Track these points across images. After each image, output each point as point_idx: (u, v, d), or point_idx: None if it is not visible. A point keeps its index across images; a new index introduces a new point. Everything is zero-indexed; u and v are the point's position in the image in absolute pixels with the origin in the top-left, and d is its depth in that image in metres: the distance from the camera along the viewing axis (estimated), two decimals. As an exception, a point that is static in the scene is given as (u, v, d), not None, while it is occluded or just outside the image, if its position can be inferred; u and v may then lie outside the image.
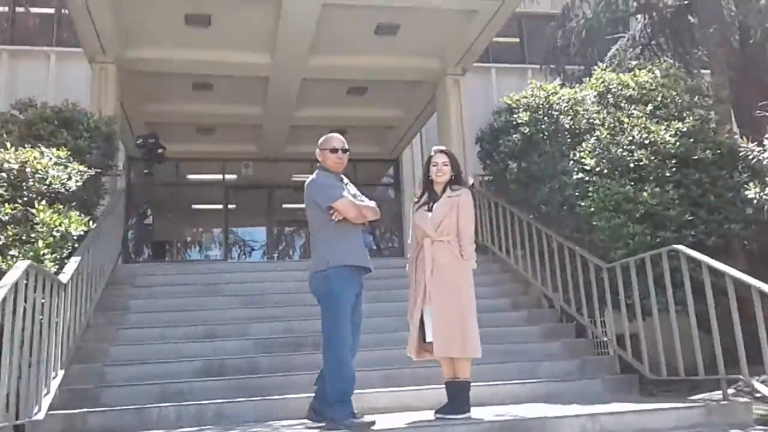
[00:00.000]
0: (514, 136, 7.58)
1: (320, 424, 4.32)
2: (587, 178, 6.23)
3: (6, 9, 13.24)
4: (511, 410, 4.89)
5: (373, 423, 4.17)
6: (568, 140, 7.00)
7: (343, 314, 4.27)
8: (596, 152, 6.30)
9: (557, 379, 5.81)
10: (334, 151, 4.54)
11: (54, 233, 5.32)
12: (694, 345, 5.15)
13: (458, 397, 4.58)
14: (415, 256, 4.74)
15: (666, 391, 5.99)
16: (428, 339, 4.62)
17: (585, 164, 6.29)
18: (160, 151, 9.41)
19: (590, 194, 6.13)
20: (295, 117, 12.77)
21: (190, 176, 15.29)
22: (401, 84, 11.92)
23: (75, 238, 5.48)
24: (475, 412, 4.58)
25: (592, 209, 6.09)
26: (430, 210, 4.73)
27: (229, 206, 15.00)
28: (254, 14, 9.47)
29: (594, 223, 6.13)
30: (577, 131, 7.05)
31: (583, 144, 6.47)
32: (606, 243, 6.19)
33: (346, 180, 4.64)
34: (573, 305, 6.81)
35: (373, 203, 4.59)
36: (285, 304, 7.08)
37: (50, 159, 5.85)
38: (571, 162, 6.59)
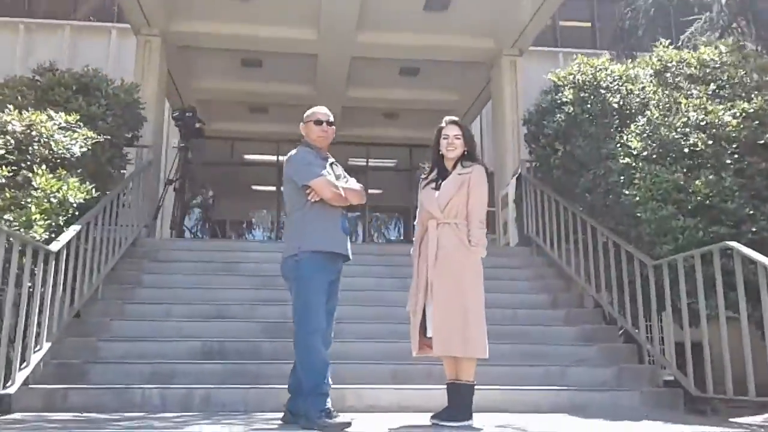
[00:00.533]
0: (558, 116, 6.87)
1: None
2: (634, 164, 5.51)
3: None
4: (523, 421, 4.31)
5: (348, 424, 3.69)
6: (616, 121, 6.25)
7: (314, 301, 3.84)
8: (645, 134, 5.56)
9: (587, 388, 5.17)
10: (319, 123, 4.10)
11: (51, 199, 5.08)
12: (745, 358, 4.43)
13: (459, 402, 4.04)
14: (420, 241, 4.22)
15: (732, 407, 5.19)
16: (429, 333, 4.10)
17: (631, 148, 5.57)
18: (198, 125, 9.18)
19: (636, 182, 5.41)
20: (346, 98, 12.39)
21: (246, 156, 15.16)
22: (455, 65, 11.33)
23: (74, 205, 5.22)
24: (480, 420, 4.04)
25: (638, 198, 5.37)
26: (437, 188, 4.19)
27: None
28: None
29: (638, 214, 5.42)
30: (627, 111, 6.29)
31: (632, 126, 5.74)
32: (652, 237, 5.47)
33: (331, 159, 4.18)
34: (615, 305, 6.12)
35: (358, 186, 4.14)
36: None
37: (57, 123, 5.62)
38: (618, 145, 5.87)
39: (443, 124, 4.26)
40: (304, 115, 4.19)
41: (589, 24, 15.57)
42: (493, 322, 6.24)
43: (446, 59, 11.10)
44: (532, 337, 6.12)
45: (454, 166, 4.20)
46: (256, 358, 5.36)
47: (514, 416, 4.55)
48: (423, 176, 4.35)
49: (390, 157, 15.31)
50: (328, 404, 3.74)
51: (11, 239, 4.26)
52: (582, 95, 6.58)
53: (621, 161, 5.68)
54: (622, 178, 5.68)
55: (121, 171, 6.98)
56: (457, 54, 10.81)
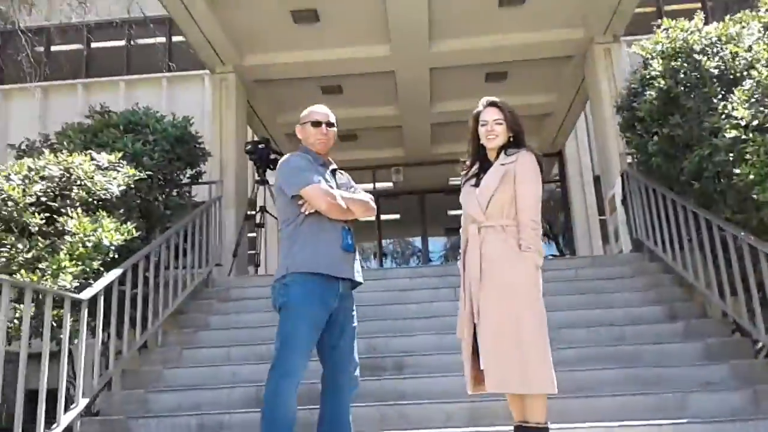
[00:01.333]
0: (648, 93, 5.82)
1: None
2: (743, 136, 4.44)
3: (123, 43, 13.93)
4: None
5: None
6: (718, 89, 5.15)
7: (296, 336, 3.18)
8: (753, 99, 4.47)
9: (715, 419, 4.13)
10: (317, 124, 3.53)
11: (86, 243, 4.79)
12: None
13: (531, 451, 3.21)
14: (464, 251, 3.46)
15: None
16: (482, 365, 3.32)
17: (738, 118, 4.49)
18: (273, 157, 8.87)
19: (748, 157, 4.35)
20: (433, 114, 11.77)
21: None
22: (546, 62, 10.37)
23: (112, 248, 4.91)
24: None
25: (752, 177, 4.30)
26: (477, 185, 3.42)
27: (382, 216, 14.28)
28: (358, 0, 8.63)
29: (755, 195, 4.34)
30: (731, 77, 5.17)
31: (736, 92, 4.66)
32: (779, 224, 4.38)
33: (333, 165, 3.58)
34: (744, 313, 4.99)
35: (367, 197, 3.52)
36: (376, 317, 6.02)
37: (98, 164, 5.39)
38: (722, 117, 4.79)
39: (480, 107, 3.49)
40: (301, 115, 3.63)
41: (698, 4, 14.05)
42: (596, 344, 5.38)
43: (533, 57, 10.19)
44: (644, 358, 5.12)
45: (497, 156, 3.44)
46: (314, 403, 4.74)
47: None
48: (462, 171, 3.60)
49: (491, 171, 14.46)
50: None
51: (24, 290, 3.94)
52: (673, 65, 5.52)
53: (728, 135, 4.62)
54: (731, 155, 4.61)
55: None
56: (544, 50, 9.89)
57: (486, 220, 3.31)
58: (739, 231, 4.96)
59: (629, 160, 7.33)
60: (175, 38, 13.72)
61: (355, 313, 3.48)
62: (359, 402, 4.64)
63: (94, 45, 14.42)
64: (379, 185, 14.20)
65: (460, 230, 3.58)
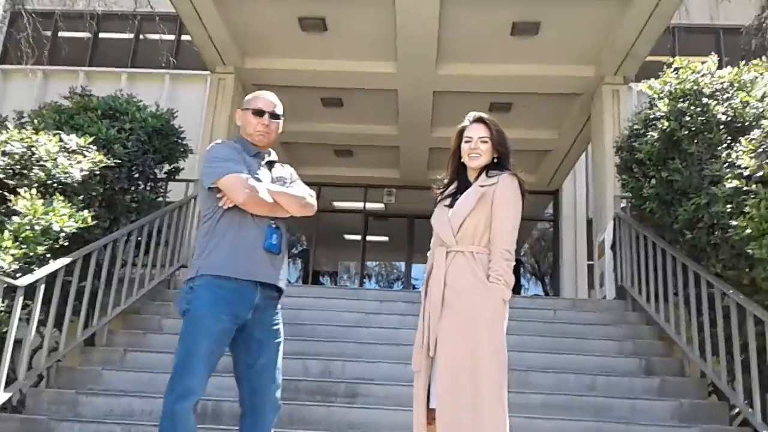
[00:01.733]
0: (650, 134, 5.55)
1: None
2: (745, 188, 4.17)
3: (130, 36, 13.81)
4: None
5: None
6: (724, 136, 4.88)
7: (199, 351, 2.79)
8: (760, 150, 4.20)
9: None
10: (259, 113, 3.12)
11: (35, 226, 4.50)
12: None
13: None
14: (428, 274, 3.14)
15: None
16: (432, 404, 3.00)
17: (742, 167, 4.22)
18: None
19: (748, 210, 4.06)
20: (432, 138, 11.52)
21: (335, 203, 14.60)
22: (551, 98, 10.16)
23: (63, 235, 4.62)
24: None
25: (749, 231, 4.01)
26: (452, 206, 3.13)
27: (368, 237, 13.98)
28: (368, 14, 8.43)
29: (750, 251, 4.04)
30: (738, 125, 4.91)
31: (743, 140, 4.39)
32: (771, 284, 4.08)
33: (270, 157, 3.19)
34: (724, 375, 4.66)
35: (304, 192, 3.11)
36: (337, 338, 5.71)
37: (65, 146, 5.12)
38: (725, 166, 4.52)
39: (466, 122, 3.26)
40: (244, 99, 3.26)
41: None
42: (564, 391, 5.05)
43: (540, 91, 9.98)
44: (613, 412, 4.80)
45: (478, 177, 3.15)
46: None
47: None
48: (438, 190, 3.31)
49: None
50: None
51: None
52: (679, 106, 5.25)
53: (728, 185, 4.34)
54: (729, 206, 4.32)
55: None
56: (552, 84, 9.67)
57: (455, 245, 3.03)
58: (728, 288, 4.66)
59: (623, 204, 7.04)
60: (184, 37, 13.57)
61: (279, 326, 3.07)
62: (303, 428, 4.34)
63: (101, 35, 14.28)
64: (369, 205, 13.93)
65: (428, 253, 3.27)
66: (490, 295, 2.94)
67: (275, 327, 3.04)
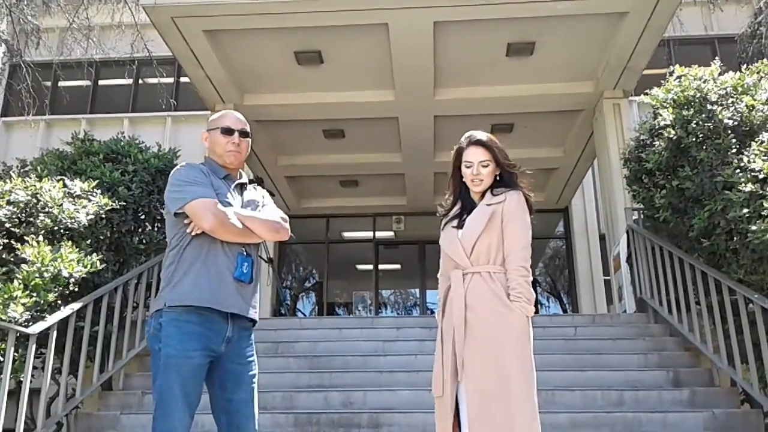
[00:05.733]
0: (657, 143, 5.50)
1: None
2: (761, 191, 4.10)
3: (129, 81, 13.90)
4: None
5: None
6: (733, 141, 4.82)
7: (173, 391, 2.63)
8: (776, 151, 4.15)
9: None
10: (228, 132, 2.93)
11: (44, 273, 4.46)
12: None
13: None
14: (444, 298, 3.06)
15: None
16: (464, 429, 2.89)
17: (756, 170, 4.15)
18: (265, 198, 8.56)
19: (765, 213, 3.99)
20: (436, 163, 11.50)
21: (345, 234, 14.55)
22: (552, 116, 10.17)
23: (72, 281, 4.57)
24: None
25: (769, 235, 3.94)
26: (460, 227, 3.07)
27: (380, 266, 13.91)
28: (363, 46, 8.46)
29: (771, 254, 3.98)
30: (746, 129, 4.86)
31: (753, 144, 4.33)
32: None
33: (242, 180, 3.03)
34: (755, 383, 4.55)
35: (275, 215, 2.95)
36: (356, 368, 5.61)
37: (69, 192, 5.10)
38: (738, 171, 4.45)
39: (463, 144, 3.12)
40: (209, 120, 3.08)
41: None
42: (592, 408, 4.93)
43: (541, 110, 9.99)
44: (644, 427, 4.67)
45: (483, 197, 3.08)
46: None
47: None
48: (442, 212, 3.23)
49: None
50: None
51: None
52: (684, 114, 5.20)
53: (743, 189, 4.27)
54: (746, 210, 4.25)
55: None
56: (552, 102, 9.68)
57: (470, 266, 2.95)
58: (752, 293, 4.56)
59: (635, 216, 6.97)
60: (182, 78, 13.67)
61: (254, 357, 2.89)
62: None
63: (100, 82, 14.41)
64: (379, 234, 13.88)
65: (438, 275, 3.20)
66: (513, 315, 2.86)
67: (250, 359, 2.87)
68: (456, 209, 3.17)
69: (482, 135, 3.13)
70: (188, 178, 2.82)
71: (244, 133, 2.99)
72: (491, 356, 2.83)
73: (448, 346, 2.94)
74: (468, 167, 3.05)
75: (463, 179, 3.12)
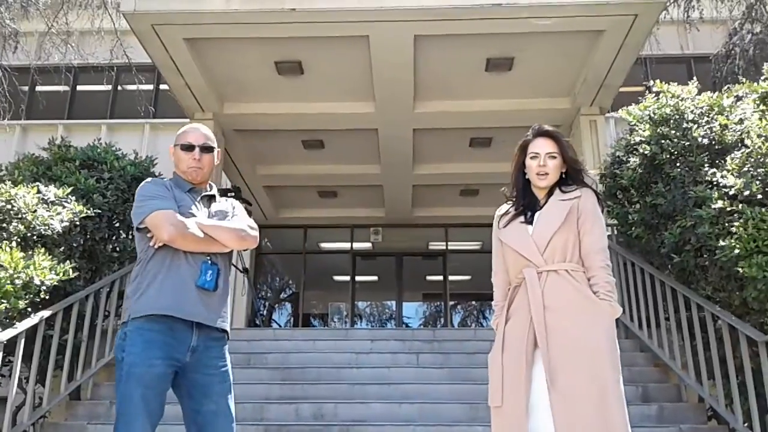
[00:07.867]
0: (632, 159, 5.59)
1: None
2: (731, 208, 4.19)
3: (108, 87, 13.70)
4: None
5: None
6: (705, 159, 4.92)
7: (134, 402, 2.59)
8: (745, 170, 4.24)
9: None
10: (189, 148, 2.96)
11: (15, 280, 4.40)
12: None
13: None
14: (508, 301, 2.88)
15: None
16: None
17: (728, 187, 4.24)
18: (243, 206, 8.54)
19: (735, 229, 4.07)
20: (415, 176, 11.56)
21: (322, 244, 14.53)
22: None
23: (44, 288, 4.52)
24: None
25: (737, 251, 4.01)
26: (529, 222, 2.90)
27: (357, 277, 13.91)
28: (344, 58, 8.49)
29: (740, 269, 4.04)
30: (719, 148, 4.96)
31: (728, 159, 4.43)
32: (761, 303, 4.07)
33: (210, 192, 3.04)
34: (721, 398, 4.62)
35: (242, 224, 2.93)
36: (328, 380, 5.61)
37: (43, 198, 5.06)
38: (709, 188, 4.54)
39: (529, 136, 3.00)
40: (177, 135, 3.07)
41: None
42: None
43: (519, 125, 9.94)
44: (613, 442, 4.69)
45: (549, 194, 2.93)
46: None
47: None
48: (501, 212, 3.05)
49: (473, 239, 14.11)
50: None
51: None
52: (660, 130, 5.29)
53: (713, 206, 4.36)
54: (715, 227, 4.33)
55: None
56: (530, 117, 9.54)
57: (545, 264, 2.77)
58: (719, 310, 4.64)
59: (609, 232, 7.05)
60: (162, 86, 13.61)
61: (227, 368, 2.86)
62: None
63: (78, 88, 14.28)
64: (357, 245, 13.89)
65: (492, 276, 3.03)
66: (601, 314, 2.69)
67: (222, 370, 2.84)
68: (519, 206, 2.98)
69: (548, 128, 3.02)
70: (150, 192, 2.85)
71: (206, 148, 2.99)
72: (585, 363, 2.62)
73: (522, 348, 2.72)
74: (534, 158, 2.91)
75: (526, 175, 2.96)
